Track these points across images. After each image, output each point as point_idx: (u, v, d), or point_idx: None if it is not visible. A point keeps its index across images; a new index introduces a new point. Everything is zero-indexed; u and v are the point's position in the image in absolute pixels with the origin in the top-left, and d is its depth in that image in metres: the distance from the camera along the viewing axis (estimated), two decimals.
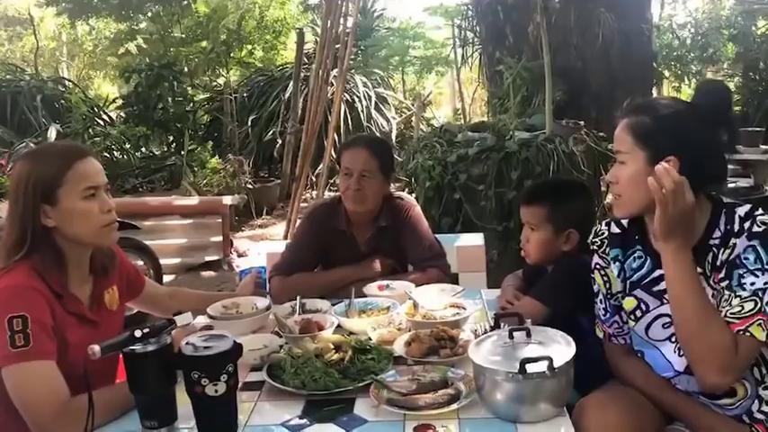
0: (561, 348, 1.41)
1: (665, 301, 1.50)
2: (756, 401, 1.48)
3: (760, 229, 1.40)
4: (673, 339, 1.51)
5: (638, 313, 1.57)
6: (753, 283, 1.38)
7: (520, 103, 4.35)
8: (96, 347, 1.30)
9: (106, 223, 1.64)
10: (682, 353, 1.49)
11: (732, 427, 1.49)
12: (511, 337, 1.45)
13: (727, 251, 1.42)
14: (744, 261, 1.40)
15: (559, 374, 1.35)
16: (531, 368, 1.32)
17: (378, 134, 8.52)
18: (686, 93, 10.41)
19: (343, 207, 2.33)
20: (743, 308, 1.38)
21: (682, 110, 1.47)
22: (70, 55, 17.05)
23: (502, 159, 3.58)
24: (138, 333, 1.35)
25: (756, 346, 1.39)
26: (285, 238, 5.42)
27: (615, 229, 1.64)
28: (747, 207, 1.45)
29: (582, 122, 4.08)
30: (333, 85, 6.62)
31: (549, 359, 1.32)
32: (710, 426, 1.50)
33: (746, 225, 1.41)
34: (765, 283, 1.37)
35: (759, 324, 1.36)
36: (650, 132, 1.44)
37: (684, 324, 1.41)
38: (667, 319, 1.51)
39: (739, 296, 1.39)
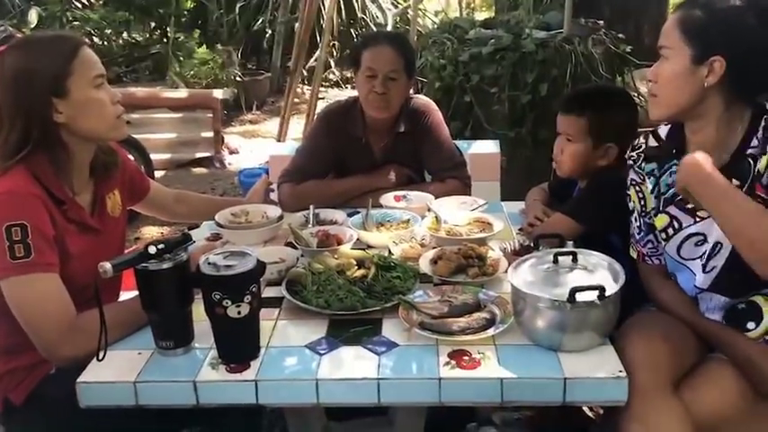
0: (608, 275, 1.33)
1: (698, 219, 1.42)
2: None
3: None
4: (704, 258, 1.43)
5: (670, 231, 1.48)
6: None
7: None
8: (108, 265, 1.19)
9: (119, 114, 1.51)
10: (708, 269, 1.42)
11: None
12: (555, 261, 1.35)
13: (766, 159, 1.32)
14: None
15: (608, 304, 1.26)
16: (580, 297, 1.23)
17: (373, 27, 8.09)
18: None
19: (358, 111, 2.14)
20: None
21: (739, 6, 1.35)
22: None
23: (517, 60, 3.36)
24: (152, 249, 1.23)
25: None
26: (279, 137, 5.21)
27: (653, 142, 1.55)
28: None
29: (600, 22, 3.82)
30: None
31: (601, 288, 1.23)
32: (747, 353, 1.44)
33: None
34: None
35: None
36: (700, 27, 1.34)
37: (738, 229, 1.29)
38: (700, 238, 1.43)
39: None
